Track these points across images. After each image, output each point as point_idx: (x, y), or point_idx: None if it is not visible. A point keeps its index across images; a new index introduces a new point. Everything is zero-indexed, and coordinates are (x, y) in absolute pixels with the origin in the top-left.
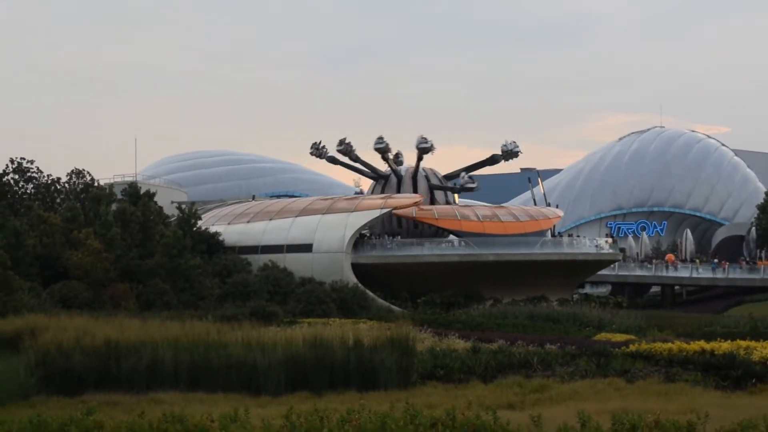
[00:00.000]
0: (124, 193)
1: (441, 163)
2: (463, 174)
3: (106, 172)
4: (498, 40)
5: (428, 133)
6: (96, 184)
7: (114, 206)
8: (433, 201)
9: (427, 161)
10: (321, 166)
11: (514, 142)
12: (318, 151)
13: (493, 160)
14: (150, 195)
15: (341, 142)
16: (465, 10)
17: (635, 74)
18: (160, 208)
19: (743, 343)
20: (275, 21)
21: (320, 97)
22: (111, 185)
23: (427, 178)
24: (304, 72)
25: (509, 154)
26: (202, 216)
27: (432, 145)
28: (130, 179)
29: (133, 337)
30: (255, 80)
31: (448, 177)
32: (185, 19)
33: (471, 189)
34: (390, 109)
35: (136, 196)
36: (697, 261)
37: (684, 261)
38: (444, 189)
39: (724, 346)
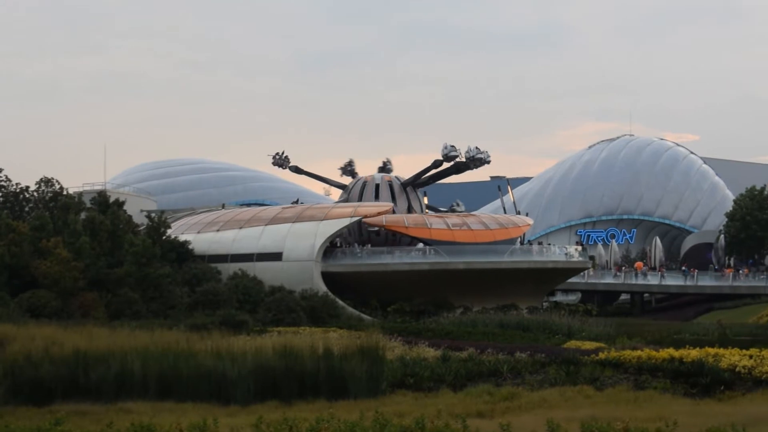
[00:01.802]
0: (93, 201)
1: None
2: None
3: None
4: (470, 47)
5: (400, 139)
6: (65, 192)
7: (83, 215)
8: (393, 210)
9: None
10: (291, 175)
11: (477, 147)
12: (280, 160)
13: (455, 170)
14: (119, 204)
15: (276, 156)
16: (438, 17)
17: (606, 82)
18: (130, 216)
19: (712, 351)
20: (248, 28)
21: (293, 105)
22: (80, 194)
23: (391, 186)
24: (276, 80)
25: (475, 160)
26: (172, 225)
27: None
28: (99, 188)
29: (102, 347)
30: (226, 88)
31: (404, 184)
32: (156, 27)
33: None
34: (363, 116)
35: (105, 205)
36: (662, 269)
37: (653, 269)
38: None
39: (693, 353)
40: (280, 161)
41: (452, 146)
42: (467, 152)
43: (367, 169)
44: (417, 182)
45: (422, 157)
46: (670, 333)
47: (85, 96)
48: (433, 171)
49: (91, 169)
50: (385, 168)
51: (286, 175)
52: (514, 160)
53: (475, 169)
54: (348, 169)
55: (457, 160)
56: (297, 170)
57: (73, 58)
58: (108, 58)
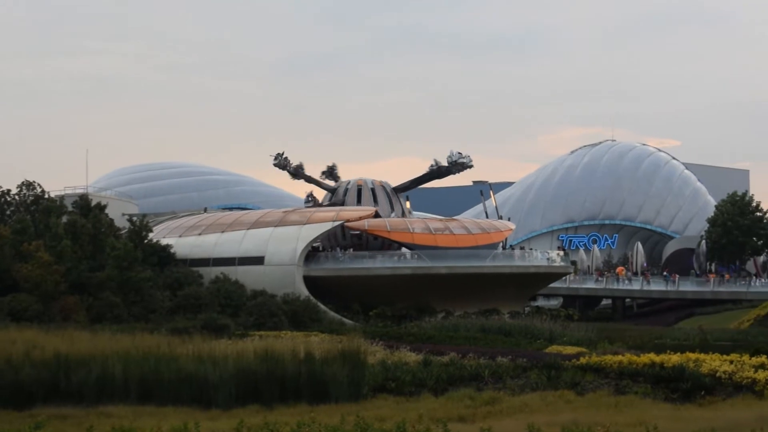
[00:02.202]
0: (74, 205)
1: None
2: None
3: (57, 184)
4: (452, 51)
5: (382, 144)
6: (46, 196)
7: (64, 218)
8: (377, 214)
9: (377, 173)
10: (273, 179)
11: (460, 152)
12: (283, 162)
13: (435, 173)
14: (101, 207)
15: (277, 156)
16: (419, 21)
17: (589, 88)
18: (111, 220)
19: (692, 356)
20: (230, 31)
21: (274, 109)
22: (62, 197)
23: (373, 191)
24: (259, 83)
25: (457, 165)
26: (154, 228)
27: (286, 160)
28: (81, 191)
29: (83, 350)
30: (208, 91)
31: (396, 190)
32: (138, 30)
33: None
34: (342, 120)
35: (86, 209)
36: (647, 274)
37: (635, 274)
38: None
39: (674, 358)
40: (283, 163)
41: (459, 153)
42: (449, 157)
43: (347, 173)
44: (397, 187)
45: (404, 161)
46: (651, 338)
47: (67, 99)
48: (417, 176)
49: (72, 172)
50: (332, 173)
51: (268, 179)
52: (497, 165)
53: (457, 174)
54: (331, 173)
55: (440, 164)
56: (296, 173)
57: (54, 61)
58: (90, 61)
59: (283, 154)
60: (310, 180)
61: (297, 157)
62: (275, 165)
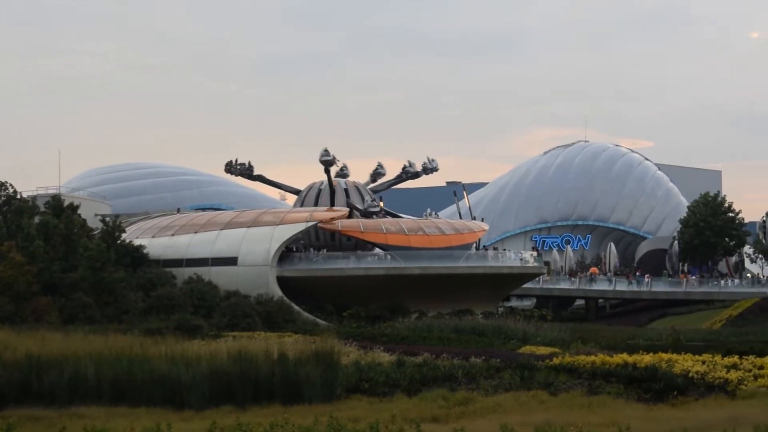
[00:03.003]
0: (47, 205)
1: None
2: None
3: (29, 184)
4: (427, 53)
5: (356, 144)
6: (18, 196)
7: (37, 219)
8: (351, 214)
9: (354, 174)
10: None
11: (434, 160)
12: (237, 168)
13: (412, 176)
14: (74, 208)
15: (228, 164)
16: (394, 22)
17: (562, 89)
18: (84, 220)
19: (665, 356)
20: (205, 32)
21: (250, 109)
22: (34, 198)
23: (346, 191)
24: (235, 83)
25: (427, 170)
26: (127, 229)
27: (334, 158)
28: (53, 192)
29: (55, 351)
30: (183, 91)
31: (375, 190)
32: (111, 30)
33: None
34: (321, 122)
35: (59, 209)
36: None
37: (608, 274)
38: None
39: (647, 358)
40: (238, 169)
41: (433, 160)
42: (424, 164)
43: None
44: (377, 188)
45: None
46: (624, 338)
47: (39, 99)
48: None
49: (45, 173)
50: (342, 173)
51: (243, 179)
52: (470, 165)
53: (427, 176)
54: (342, 173)
55: (415, 168)
56: (252, 175)
57: (26, 61)
58: (62, 61)
59: (236, 161)
60: (270, 182)
61: (273, 157)
62: (227, 172)
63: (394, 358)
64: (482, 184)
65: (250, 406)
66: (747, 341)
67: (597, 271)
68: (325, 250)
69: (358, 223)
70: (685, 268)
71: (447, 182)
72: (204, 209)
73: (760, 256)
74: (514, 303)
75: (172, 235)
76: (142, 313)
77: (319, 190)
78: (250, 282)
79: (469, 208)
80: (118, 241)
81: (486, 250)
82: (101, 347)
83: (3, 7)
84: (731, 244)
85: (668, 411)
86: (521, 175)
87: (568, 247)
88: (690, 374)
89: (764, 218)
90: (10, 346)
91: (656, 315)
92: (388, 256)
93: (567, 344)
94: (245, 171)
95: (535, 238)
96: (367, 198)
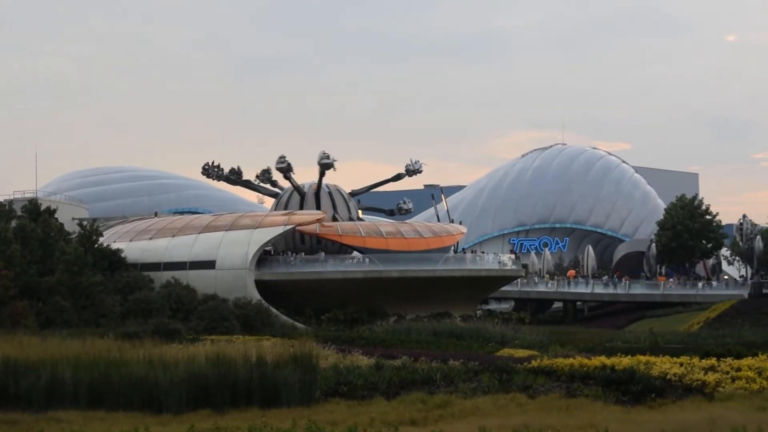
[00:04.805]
0: (23, 209)
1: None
2: (405, 199)
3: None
4: (404, 55)
5: (333, 147)
6: None
7: (13, 223)
8: (335, 218)
9: (332, 177)
10: (226, 183)
11: (418, 161)
12: (212, 171)
13: (398, 178)
14: (51, 211)
15: (205, 166)
16: (371, 25)
17: (539, 92)
18: (61, 224)
19: (643, 359)
20: (182, 34)
21: (225, 111)
22: (10, 201)
23: (330, 194)
24: (209, 86)
25: (413, 172)
26: (104, 233)
27: (333, 161)
28: (30, 195)
29: (32, 356)
30: (161, 94)
31: (354, 194)
32: (88, 31)
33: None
34: (297, 124)
35: (36, 213)
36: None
37: (585, 277)
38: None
39: (625, 361)
40: (217, 172)
41: (417, 161)
42: (408, 165)
43: (300, 176)
44: (356, 192)
45: (356, 165)
46: (602, 341)
47: (15, 102)
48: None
49: (21, 176)
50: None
51: (221, 183)
52: (448, 168)
53: (409, 178)
54: (265, 177)
55: (400, 173)
56: (230, 178)
57: (1, 63)
58: (37, 63)
59: (213, 163)
60: (248, 185)
61: (247, 160)
62: (203, 174)
63: (372, 362)
64: (460, 187)
65: (228, 410)
66: (724, 343)
67: (575, 273)
68: (303, 254)
69: (336, 227)
70: (663, 271)
71: (425, 185)
72: (182, 213)
73: (737, 258)
74: (492, 306)
75: (150, 238)
76: (119, 317)
77: (304, 193)
78: (228, 285)
79: (447, 210)
80: (96, 245)
81: (464, 253)
82: (78, 351)
83: None
84: (708, 246)
85: (646, 413)
86: (499, 178)
87: (546, 249)
88: (668, 376)
89: (741, 221)
90: None
91: (634, 317)
92: (367, 260)
93: (545, 347)
94: (232, 176)
95: (513, 240)
96: (351, 204)
